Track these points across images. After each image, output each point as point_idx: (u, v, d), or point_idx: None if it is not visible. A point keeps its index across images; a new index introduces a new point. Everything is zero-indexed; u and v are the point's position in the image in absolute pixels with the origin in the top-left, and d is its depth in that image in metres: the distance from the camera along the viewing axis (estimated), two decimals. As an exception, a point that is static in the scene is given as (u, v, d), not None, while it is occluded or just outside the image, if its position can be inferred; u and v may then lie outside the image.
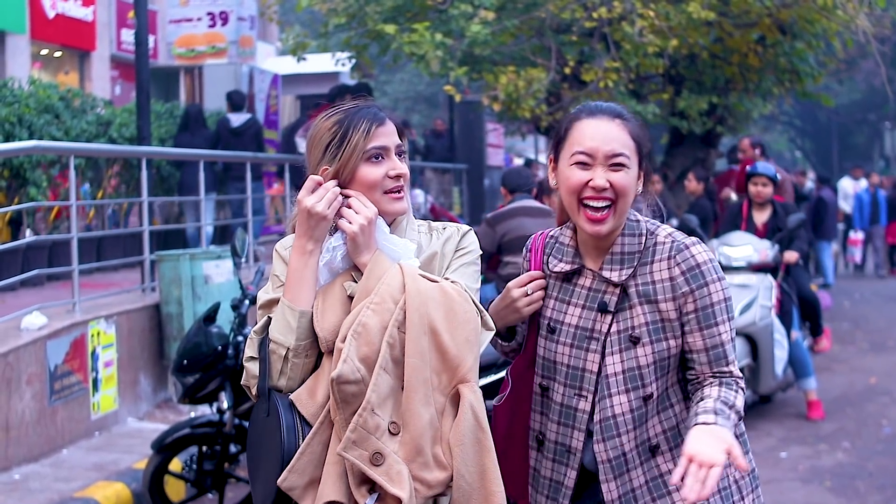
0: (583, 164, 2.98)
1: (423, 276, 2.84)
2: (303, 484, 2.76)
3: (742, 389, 2.94)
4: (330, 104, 15.77)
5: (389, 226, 2.95)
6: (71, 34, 17.33)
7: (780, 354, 9.22)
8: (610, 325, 3.00)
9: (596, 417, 2.99)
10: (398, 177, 2.92)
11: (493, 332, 2.92)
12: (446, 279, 2.91)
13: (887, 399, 10.14)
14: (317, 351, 2.86)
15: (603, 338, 3.00)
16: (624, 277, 2.99)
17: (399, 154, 2.96)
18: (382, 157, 2.92)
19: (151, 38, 16.51)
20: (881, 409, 9.58)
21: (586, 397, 3.01)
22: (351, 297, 2.85)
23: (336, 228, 2.90)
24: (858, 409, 9.65)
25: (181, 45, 18.88)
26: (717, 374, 2.97)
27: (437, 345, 2.77)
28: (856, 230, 21.90)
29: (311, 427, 2.78)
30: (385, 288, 2.78)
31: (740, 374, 2.97)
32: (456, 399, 2.78)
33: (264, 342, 2.87)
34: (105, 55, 18.36)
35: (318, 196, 2.85)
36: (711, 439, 2.68)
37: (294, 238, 2.91)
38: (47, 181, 10.51)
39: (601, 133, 2.98)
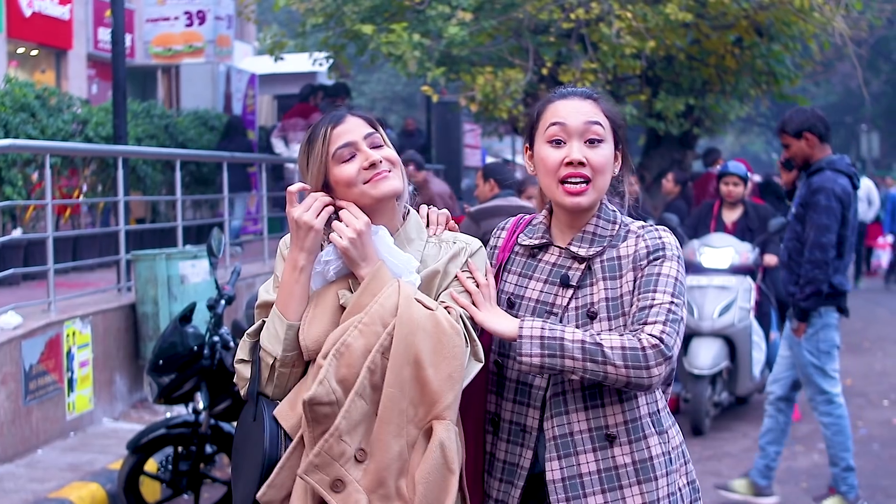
0: (557, 142, 2.99)
1: (420, 302, 2.76)
2: (281, 497, 2.75)
3: (638, 340, 2.82)
4: (302, 103, 15.76)
5: (397, 231, 2.90)
6: (47, 33, 17.23)
7: (758, 356, 9.25)
8: (569, 300, 2.98)
9: (548, 394, 2.97)
10: (372, 165, 2.85)
11: (482, 364, 2.85)
12: (444, 304, 2.85)
13: (862, 401, 10.19)
14: (305, 361, 2.82)
15: (561, 312, 2.98)
16: (591, 253, 2.99)
17: (374, 145, 2.89)
18: (353, 155, 2.87)
19: (128, 37, 16.44)
20: (856, 410, 9.60)
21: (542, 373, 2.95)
22: (343, 307, 2.79)
23: (329, 240, 2.85)
24: (834, 410, 9.66)
25: (158, 45, 18.81)
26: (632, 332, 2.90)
27: (418, 377, 2.71)
28: (884, 234, 21.48)
29: (292, 439, 2.76)
30: (377, 309, 2.72)
31: (654, 336, 2.84)
32: (429, 433, 2.74)
33: (257, 346, 2.84)
34: (82, 54, 18.26)
35: (305, 206, 2.80)
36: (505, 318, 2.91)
37: (288, 247, 2.86)
38: (23, 180, 10.45)
39: (574, 108, 3.00)
